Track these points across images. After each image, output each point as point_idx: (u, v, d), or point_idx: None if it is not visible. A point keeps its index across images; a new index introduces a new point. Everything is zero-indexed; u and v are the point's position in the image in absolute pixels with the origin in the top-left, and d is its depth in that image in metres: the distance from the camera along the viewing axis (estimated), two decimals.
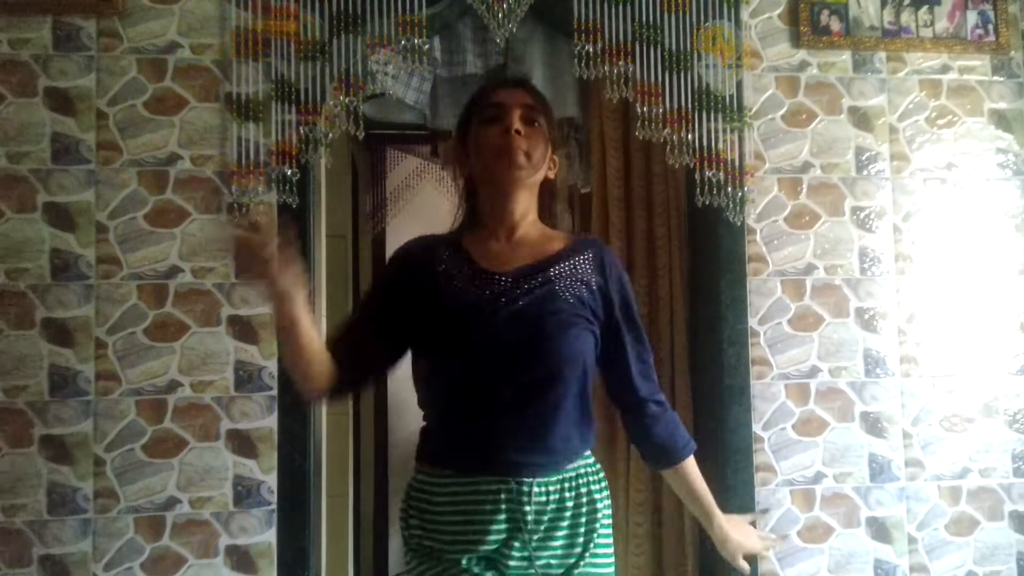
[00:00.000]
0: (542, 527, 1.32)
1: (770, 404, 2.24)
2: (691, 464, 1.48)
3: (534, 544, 1.31)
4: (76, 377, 2.02)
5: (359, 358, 1.38)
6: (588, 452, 1.41)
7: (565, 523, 1.34)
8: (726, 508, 1.52)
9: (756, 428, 2.22)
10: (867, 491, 2.26)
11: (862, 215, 2.32)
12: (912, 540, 2.26)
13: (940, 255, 2.34)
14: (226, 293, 2.08)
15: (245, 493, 2.05)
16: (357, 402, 3.61)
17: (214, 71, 2.11)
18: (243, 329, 2.07)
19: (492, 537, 1.30)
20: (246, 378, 2.06)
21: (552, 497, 1.33)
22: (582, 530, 1.35)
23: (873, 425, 2.27)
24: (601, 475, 1.41)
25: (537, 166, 1.38)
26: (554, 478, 1.33)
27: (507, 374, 1.30)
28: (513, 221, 1.40)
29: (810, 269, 2.29)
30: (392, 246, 3.95)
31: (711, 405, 2.28)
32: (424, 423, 1.43)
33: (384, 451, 3.86)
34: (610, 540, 1.40)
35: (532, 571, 1.30)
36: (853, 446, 2.26)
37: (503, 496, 1.30)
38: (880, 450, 2.27)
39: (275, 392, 2.07)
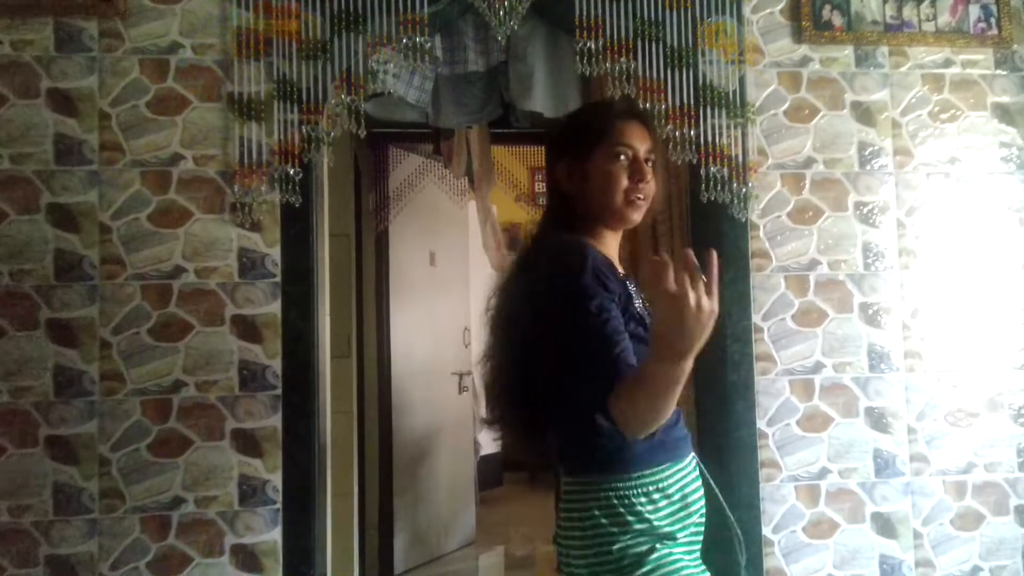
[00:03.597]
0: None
1: (774, 400, 2.24)
2: None
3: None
4: (81, 377, 2.02)
5: None
6: None
7: None
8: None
9: (760, 424, 2.22)
10: (872, 486, 2.25)
11: (865, 210, 2.32)
12: (917, 535, 2.26)
13: (944, 250, 2.34)
14: (230, 293, 2.08)
15: (250, 492, 2.05)
16: (361, 401, 3.62)
17: (216, 71, 2.11)
18: (247, 328, 2.08)
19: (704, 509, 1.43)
20: (250, 377, 2.07)
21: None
22: None
23: (878, 420, 2.27)
24: None
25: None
26: None
27: None
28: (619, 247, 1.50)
29: (813, 264, 2.28)
30: (395, 244, 4.01)
31: (715, 401, 2.28)
32: (597, 436, 1.35)
33: (389, 450, 3.85)
34: None
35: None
36: (858, 441, 2.26)
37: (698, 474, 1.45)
38: (885, 445, 2.27)
39: (279, 391, 2.07)
